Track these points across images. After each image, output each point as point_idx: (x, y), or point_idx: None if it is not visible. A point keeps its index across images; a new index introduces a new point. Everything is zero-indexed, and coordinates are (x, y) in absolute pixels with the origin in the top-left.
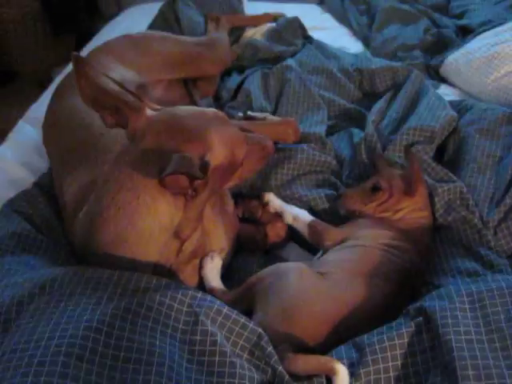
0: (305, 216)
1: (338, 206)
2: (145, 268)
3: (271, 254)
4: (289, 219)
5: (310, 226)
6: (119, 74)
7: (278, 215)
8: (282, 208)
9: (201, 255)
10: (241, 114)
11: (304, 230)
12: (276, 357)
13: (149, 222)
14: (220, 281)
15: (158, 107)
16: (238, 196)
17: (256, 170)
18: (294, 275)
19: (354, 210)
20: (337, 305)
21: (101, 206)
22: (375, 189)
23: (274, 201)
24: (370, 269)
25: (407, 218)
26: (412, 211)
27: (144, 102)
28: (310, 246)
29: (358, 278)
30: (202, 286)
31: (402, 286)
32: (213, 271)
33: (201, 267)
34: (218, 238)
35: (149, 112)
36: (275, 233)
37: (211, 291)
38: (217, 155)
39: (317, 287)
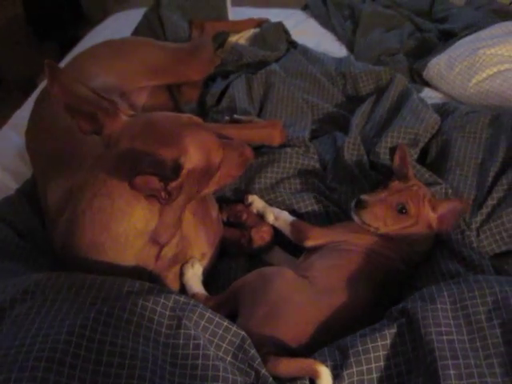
0: (286, 215)
1: (357, 214)
2: (122, 273)
3: (255, 258)
4: (270, 219)
5: (293, 224)
6: (101, 81)
7: (262, 218)
8: (265, 209)
9: (182, 261)
10: (227, 118)
11: (286, 229)
12: (259, 359)
13: (124, 226)
14: (202, 286)
15: (133, 113)
16: (223, 200)
17: (235, 176)
18: (277, 279)
19: (374, 227)
20: (320, 308)
21: (77, 212)
22: (402, 210)
23: (256, 201)
24: (354, 273)
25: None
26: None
27: (119, 108)
28: (295, 249)
29: (341, 283)
30: (184, 291)
31: (386, 290)
32: (194, 278)
33: (181, 274)
34: (200, 243)
35: (123, 118)
36: (260, 236)
37: (193, 298)
38: (191, 158)
39: (300, 291)
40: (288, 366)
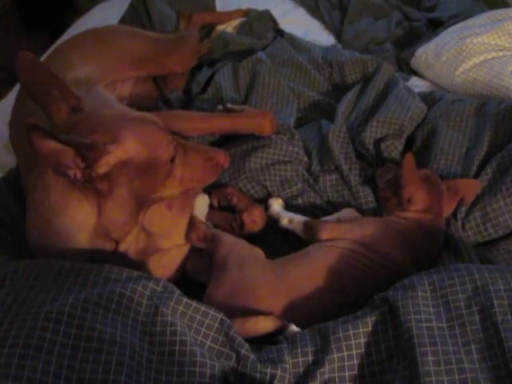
0: (300, 217)
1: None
2: None
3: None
4: (284, 222)
5: (306, 223)
6: (83, 70)
7: (254, 203)
8: (280, 213)
9: (155, 253)
10: (221, 107)
11: (299, 229)
12: (239, 339)
13: (62, 220)
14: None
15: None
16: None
17: (204, 181)
18: (251, 259)
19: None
20: (285, 295)
21: (27, 206)
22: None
23: (275, 204)
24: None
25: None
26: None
27: (80, 100)
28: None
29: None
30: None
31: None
32: (201, 206)
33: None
34: (180, 234)
35: (68, 110)
36: (251, 220)
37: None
38: (126, 149)
39: (266, 275)
40: (255, 325)
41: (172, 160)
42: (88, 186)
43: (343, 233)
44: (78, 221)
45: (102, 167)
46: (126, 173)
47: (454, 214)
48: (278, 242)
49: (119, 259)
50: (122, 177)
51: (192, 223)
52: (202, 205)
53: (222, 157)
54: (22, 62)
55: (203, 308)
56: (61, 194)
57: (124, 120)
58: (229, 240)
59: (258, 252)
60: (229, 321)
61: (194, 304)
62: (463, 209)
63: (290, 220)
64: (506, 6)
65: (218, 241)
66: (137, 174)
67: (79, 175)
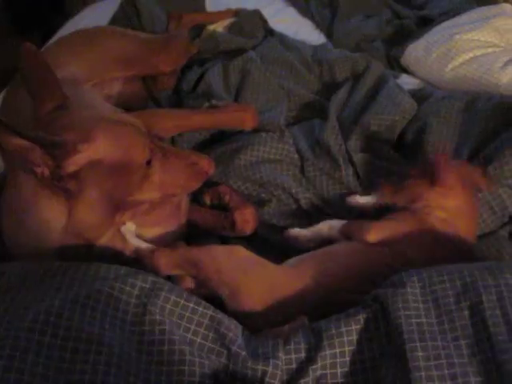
0: (336, 221)
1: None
2: None
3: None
4: (324, 231)
5: (346, 225)
6: (71, 70)
7: (247, 202)
8: (313, 229)
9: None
10: (207, 104)
11: (337, 233)
12: (230, 335)
13: (33, 219)
14: (139, 240)
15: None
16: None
17: (187, 187)
18: (230, 257)
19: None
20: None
21: (1, 206)
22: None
23: (301, 232)
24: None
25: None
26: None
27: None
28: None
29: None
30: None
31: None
32: (129, 234)
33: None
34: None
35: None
36: (243, 219)
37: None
38: (97, 149)
39: (258, 265)
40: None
41: (148, 164)
42: (57, 184)
43: (391, 234)
44: (48, 220)
45: (71, 166)
46: (96, 173)
47: None
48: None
49: (95, 260)
50: (91, 177)
51: (152, 252)
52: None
53: (206, 163)
54: (25, 53)
55: (192, 305)
56: (31, 193)
57: (99, 120)
58: (208, 253)
59: (241, 249)
60: (219, 316)
61: (183, 301)
62: None
63: (330, 227)
64: (495, 3)
65: (197, 261)
66: (108, 176)
67: (47, 173)
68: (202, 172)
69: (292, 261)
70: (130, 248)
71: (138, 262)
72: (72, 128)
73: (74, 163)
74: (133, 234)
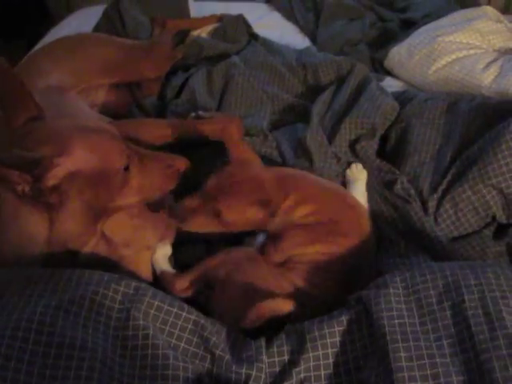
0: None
1: None
2: None
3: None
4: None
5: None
6: (54, 77)
7: None
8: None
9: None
10: (193, 114)
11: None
12: (213, 340)
13: (15, 231)
14: (168, 264)
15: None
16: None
17: (165, 189)
18: (247, 261)
19: None
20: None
21: None
22: None
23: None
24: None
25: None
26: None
27: (42, 110)
28: None
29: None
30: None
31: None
32: (161, 258)
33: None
34: (144, 240)
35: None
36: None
37: (161, 275)
38: (75, 160)
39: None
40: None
41: (126, 169)
42: (38, 199)
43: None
44: (30, 232)
45: (50, 180)
46: (77, 184)
47: (425, 210)
48: None
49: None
50: (71, 188)
51: (166, 279)
52: (161, 257)
53: (181, 163)
54: None
55: (175, 310)
56: (12, 206)
57: (75, 130)
58: (219, 259)
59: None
60: (203, 321)
61: (166, 306)
62: (434, 203)
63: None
64: (477, 5)
65: (209, 273)
66: (88, 185)
67: (27, 189)
68: (176, 172)
69: None
70: (117, 255)
71: (121, 269)
72: (47, 141)
73: (52, 177)
74: (166, 258)
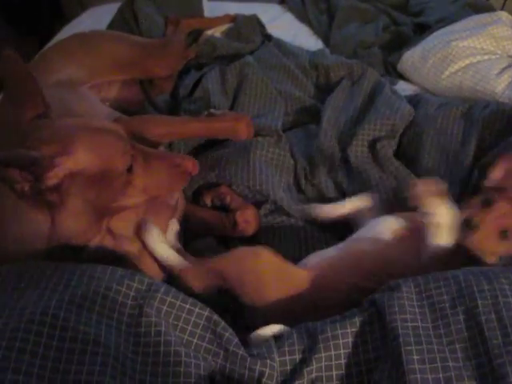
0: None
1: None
2: None
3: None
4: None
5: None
6: (67, 73)
7: (247, 203)
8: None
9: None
10: (206, 112)
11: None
12: (227, 335)
13: (16, 229)
14: (171, 252)
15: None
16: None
17: (172, 189)
18: (256, 258)
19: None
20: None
21: None
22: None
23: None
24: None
25: None
26: None
27: (49, 107)
28: None
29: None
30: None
31: None
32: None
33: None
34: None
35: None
36: (244, 220)
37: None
38: (76, 160)
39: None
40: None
41: (130, 169)
42: (38, 198)
43: None
44: (31, 230)
45: (51, 179)
46: (78, 184)
47: None
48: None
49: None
50: (73, 188)
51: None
52: (168, 234)
53: (189, 163)
54: (5, 60)
55: (188, 306)
56: (13, 204)
57: (78, 130)
58: (231, 259)
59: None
60: (215, 317)
61: (179, 303)
62: None
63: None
64: (492, 10)
65: (221, 270)
66: (90, 185)
67: (27, 188)
68: (185, 173)
69: (313, 260)
70: (122, 250)
71: (127, 265)
72: (50, 140)
73: (53, 176)
74: (173, 233)
